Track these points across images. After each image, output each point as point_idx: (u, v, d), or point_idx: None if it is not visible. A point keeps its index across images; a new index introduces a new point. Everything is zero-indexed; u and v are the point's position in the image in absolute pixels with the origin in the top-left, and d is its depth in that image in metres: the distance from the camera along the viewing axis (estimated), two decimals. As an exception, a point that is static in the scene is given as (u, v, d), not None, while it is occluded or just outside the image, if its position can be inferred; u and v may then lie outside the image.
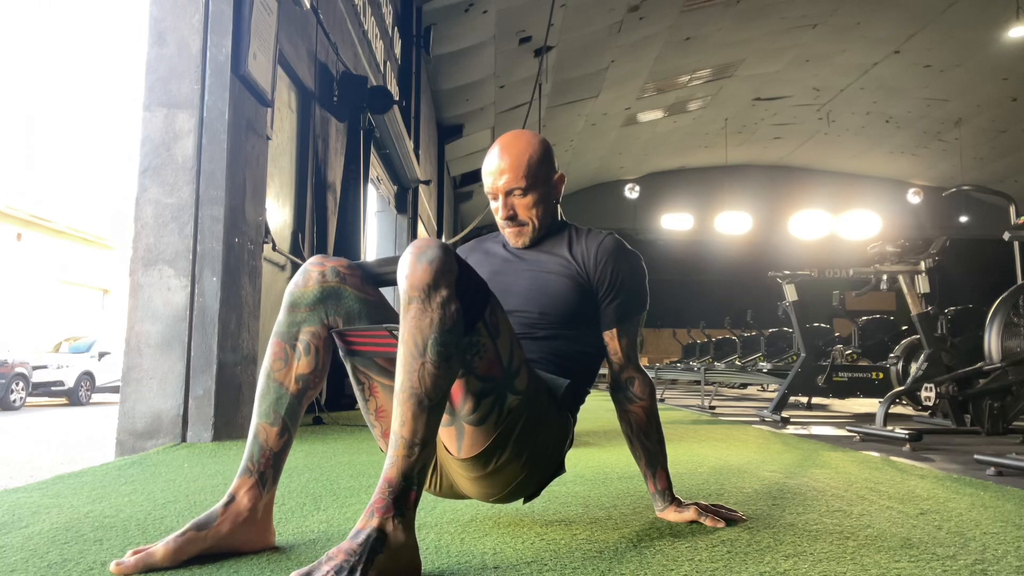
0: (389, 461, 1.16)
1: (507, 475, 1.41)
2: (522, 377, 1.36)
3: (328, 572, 1.06)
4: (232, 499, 1.33)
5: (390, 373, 1.42)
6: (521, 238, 1.64)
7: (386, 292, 1.53)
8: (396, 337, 1.28)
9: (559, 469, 1.52)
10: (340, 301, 1.40)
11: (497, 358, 1.31)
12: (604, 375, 1.70)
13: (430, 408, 1.17)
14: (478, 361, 1.29)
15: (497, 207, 1.63)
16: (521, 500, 1.54)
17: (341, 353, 1.42)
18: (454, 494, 1.55)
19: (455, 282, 1.21)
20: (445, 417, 1.32)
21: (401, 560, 1.13)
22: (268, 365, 1.39)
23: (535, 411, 1.40)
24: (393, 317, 1.44)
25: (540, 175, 1.61)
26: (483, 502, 1.66)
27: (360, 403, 1.48)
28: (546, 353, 1.55)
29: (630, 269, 1.62)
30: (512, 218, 1.62)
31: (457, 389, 1.31)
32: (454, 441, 1.37)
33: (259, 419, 1.37)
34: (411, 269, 1.20)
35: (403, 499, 1.14)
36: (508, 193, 1.60)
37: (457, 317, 1.20)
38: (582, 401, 1.62)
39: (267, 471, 1.36)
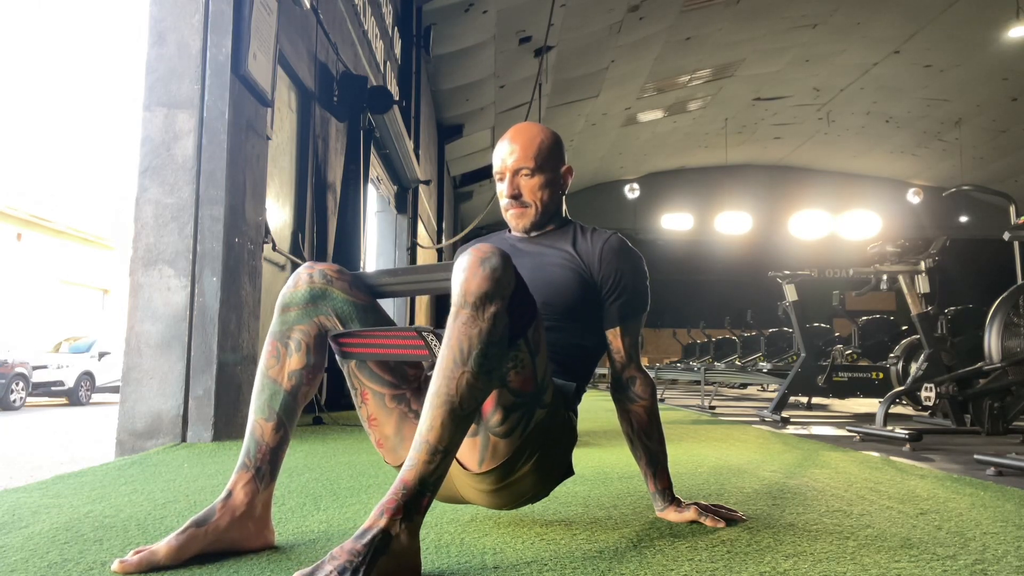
0: (409, 464, 1.15)
1: (522, 487, 1.41)
2: (549, 391, 1.37)
3: (331, 572, 1.06)
4: (230, 494, 1.34)
5: (381, 379, 1.43)
6: (523, 220, 1.65)
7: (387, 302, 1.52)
8: (424, 339, 1.27)
9: (567, 472, 1.53)
10: (329, 302, 1.41)
11: (533, 374, 1.31)
12: (605, 375, 1.70)
13: (461, 418, 1.16)
14: (514, 376, 1.29)
15: (503, 188, 1.64)
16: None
17: (337, 358, 1.42)
18: (454, 500, 1.55)
19: (510, 296, 1.21)
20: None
21: (403, 564, 1.13)
22: (263, 364, 1.41)
23: (555, 423, 1.41)
24: (384, 320, 1.45)
25: (549, 160, 1.63)
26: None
27: (356, 409, 1.49)
28: (548, 345, 1.55)
29: (633, 268, 1.63)
30: (517, 197, 1.63)
31: (489, 400, 1.30)
32: (476, 453, 1.35)
33: (255, 415, 1.38)
34: (470, 274, 1.19)
35: (415, 504, 1.14)
36: (516, 172, 1.62)
37: (505, 332, 1.20)
38: (579, 399, 1.62)
39: (264, 466, 1.36)
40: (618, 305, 1.61)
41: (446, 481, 1.50)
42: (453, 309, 1.20)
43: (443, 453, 1.15)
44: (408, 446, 1.43)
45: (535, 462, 1.38)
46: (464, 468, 1.39)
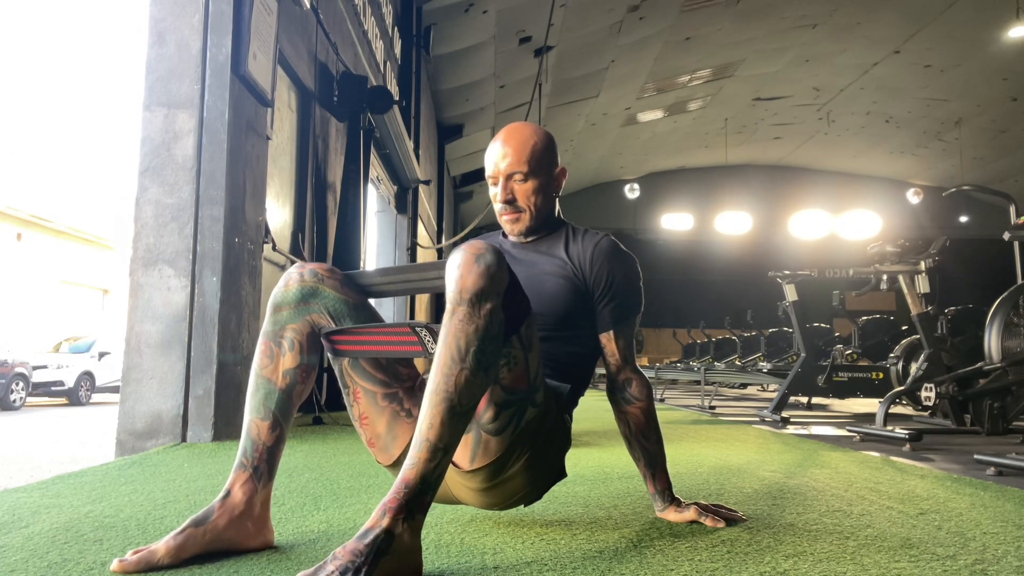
0: (410, 462, 1.15)
1: (513, 486, 1.41)
2: (542, 391, 1.37)
3: (333, 572, 1.06)
4: (228, 493, 1.34)
5: (373, 378, 1.43)
6: (517, 225, 1.64)
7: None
8: (417, 334, 1.27)
9: (560, 475, 1.52)
10: (320, 300, 1.41)
11: (526, 371, 1.32)
12: (604, 374, 1.70)
13: (460, 415, 1.16)
14: (507, 373, 1.29)
15: (496, 192, 1.63)
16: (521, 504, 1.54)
17: (329, 356, 1.42)
18: (448, 501, 1.55)
19: (504, 292, 1.20)
20: None
21: (404, 563, 1.13)
22: (256, 363, 1.41)
23: (547, 423, 1.41)
24: (375, 319, 1.44)
25: (542, 163, 1.61)
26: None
27: (347, 408, 1.49)
28: (542, 354, 1.55)
29: (625, 271, 1.62)
30: (510, 202, 1.62)
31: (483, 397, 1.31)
32: (468, 450, 1.36)
33: (250, 415, 1.38)
34: (465, 271, 1.18)
35: (416, 502, 1.14)
36: (509, 177, 1.60)
37: (501, 329, 1.19)
38: (576, 404, 1.62)
39: (261, 465, 1.36)
40: (610, 308, 1.60)
41: None
42: (449, 306, 1.20)
43: (443, 451, 1.15)
44: (399, 445, 1.44)
45: (526, 461, 1.38)
46: (456, 467, 1.39)
